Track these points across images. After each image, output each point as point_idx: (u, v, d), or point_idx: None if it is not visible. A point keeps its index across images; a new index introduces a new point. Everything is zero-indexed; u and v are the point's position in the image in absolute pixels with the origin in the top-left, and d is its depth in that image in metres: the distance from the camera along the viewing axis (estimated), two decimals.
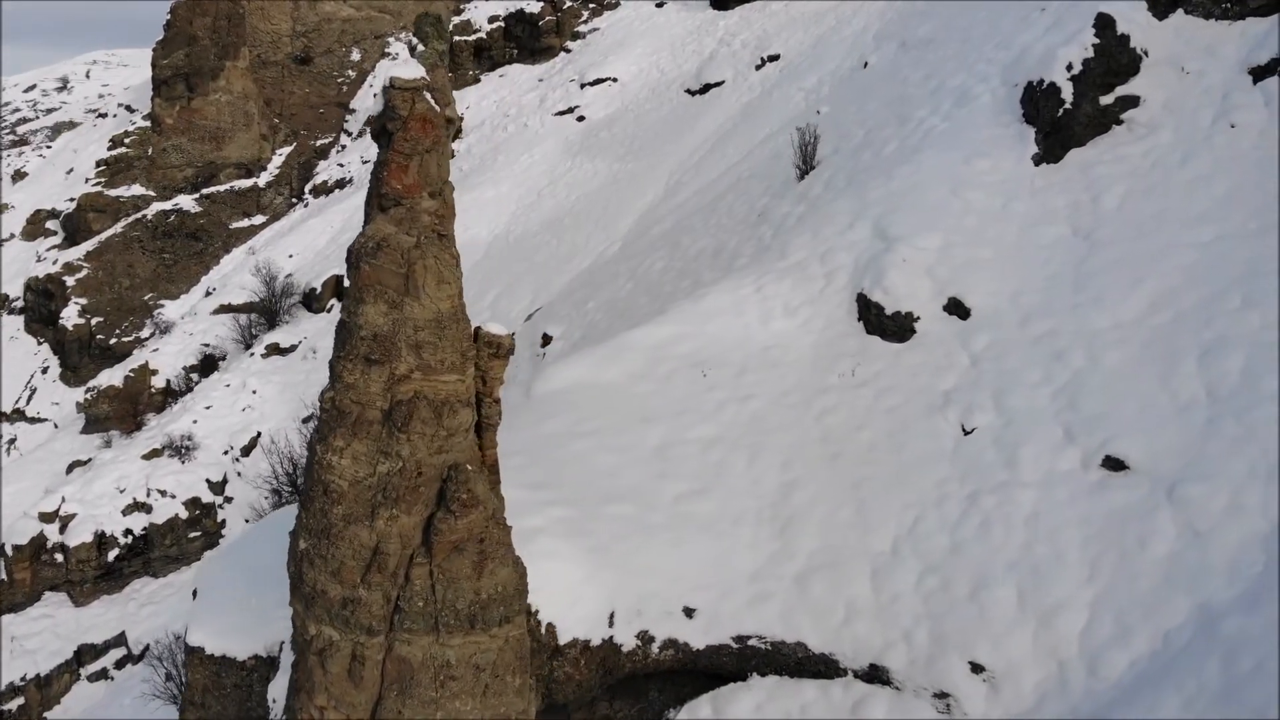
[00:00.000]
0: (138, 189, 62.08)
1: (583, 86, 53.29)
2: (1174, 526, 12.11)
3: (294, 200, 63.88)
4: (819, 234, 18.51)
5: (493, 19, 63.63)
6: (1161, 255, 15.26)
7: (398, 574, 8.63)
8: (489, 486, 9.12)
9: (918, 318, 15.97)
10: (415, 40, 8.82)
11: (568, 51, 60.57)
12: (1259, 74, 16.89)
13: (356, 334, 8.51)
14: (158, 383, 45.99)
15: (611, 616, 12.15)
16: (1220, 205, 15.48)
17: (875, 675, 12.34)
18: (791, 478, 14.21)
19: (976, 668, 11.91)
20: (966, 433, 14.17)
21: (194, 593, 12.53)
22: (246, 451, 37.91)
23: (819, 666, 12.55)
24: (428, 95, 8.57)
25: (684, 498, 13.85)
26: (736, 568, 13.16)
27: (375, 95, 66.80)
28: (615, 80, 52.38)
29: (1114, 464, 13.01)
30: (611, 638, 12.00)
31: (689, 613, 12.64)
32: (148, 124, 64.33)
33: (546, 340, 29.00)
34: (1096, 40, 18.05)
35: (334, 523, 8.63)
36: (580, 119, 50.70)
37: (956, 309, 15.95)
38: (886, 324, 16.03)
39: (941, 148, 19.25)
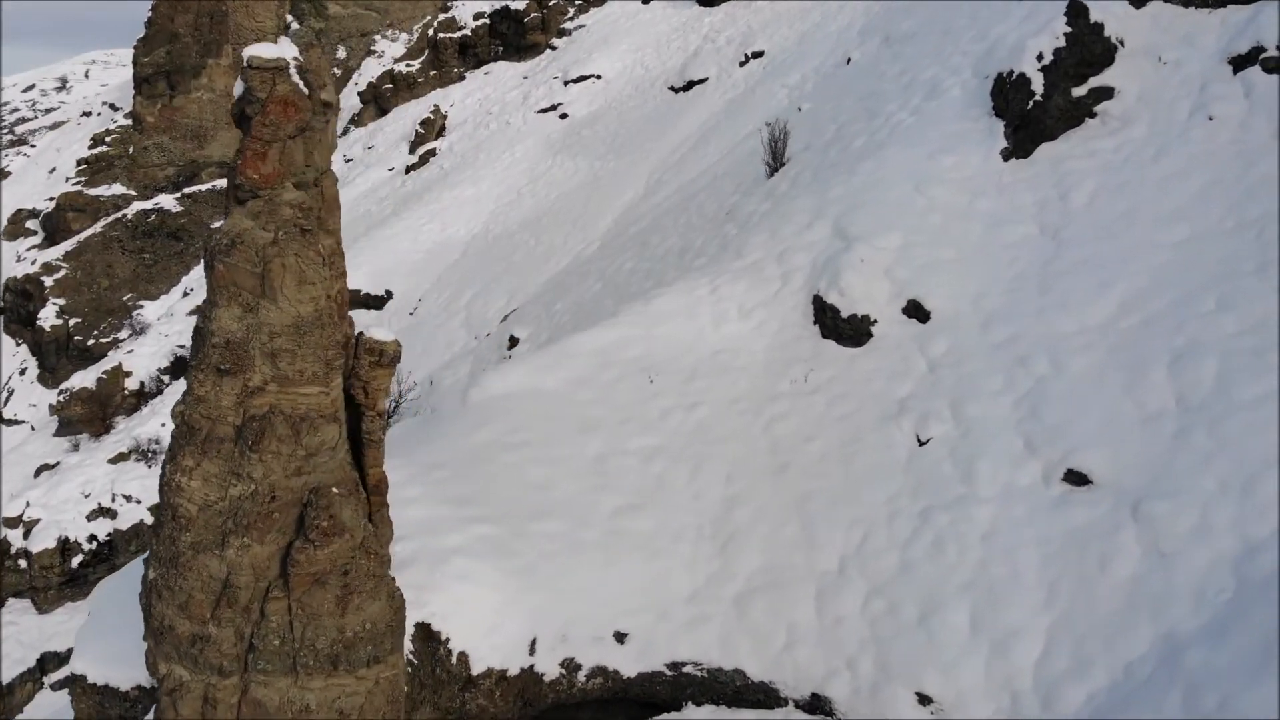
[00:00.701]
0: (119, 188, 61.27)
1: (566, 84, 52.45)
2: (1138, 547, 11.25)
3: None
4: (778, 233, 17.66)
5: (478, 16, 62.78)
6: (1131, 255, 14.40)
7: (251, 609, 7.77)
8: (362, 511, 8.27)
9: (874, 321, 15.11)
10: (291, 18, 7.95)
11: (553, 49, 59.73)
12: (1239, 63, 16.01)
13: (208, 340, 7.67)
14: (131, 385, 45.18)
15: (533, 643, 11.31)
16: (1195, 202, 14.62)
17: (817, 705, 11.49)
18: (735, 491, 13.35)
19: (924, 699, 11.06)
20: (921, 443, 13.32)
21: (89, 614, 11.73)
22: None
23: (758, 695, 11.70)
24: (294, 75, 7.75)
25: (621, 513, 13.00)
26: (673, 589, 12.32)
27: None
28: (599, 77, 51.56)
29: (1076, 478, 12.16)
30: (532, 666, 11.16)
31: (620, 638, 11.80)
32: (129, 122, 63.52)
33: (513, 343, 28.19)
34: (1068, 29, 17.18)
35: (182, 551, 7.78)
36: (563, 116, 49.87)
37: (916, 312, 15.09)
38: (842, 327, 15.17)
39: (906, 143, 18.39)
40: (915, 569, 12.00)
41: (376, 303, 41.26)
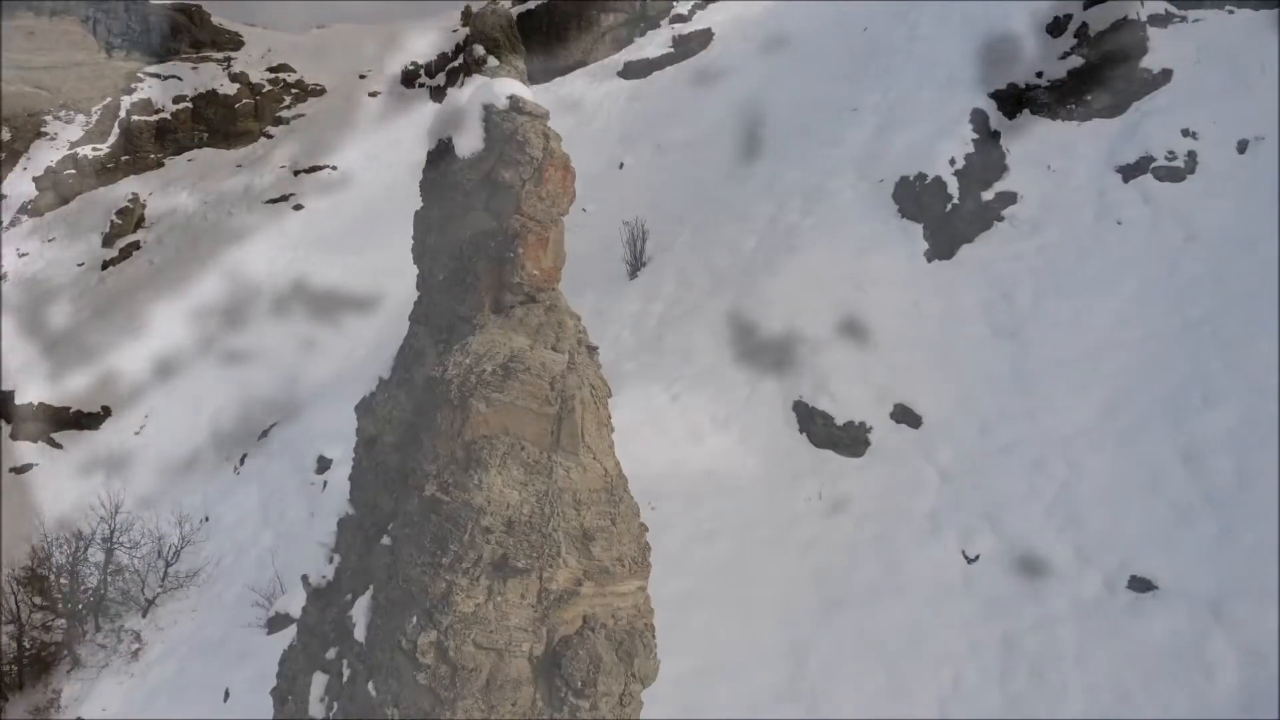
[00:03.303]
0: None
1: (296, 174, 48.47)
2: (1231, 650, 11.04)
3: None
4: (719, 334, 16.51)
5: (178, 99, 56.84)
6: (1097, 356, 14.72)
7: None
8: None
9: (870, 428, 14.32)
10: None
11: (269, 136, 55.29)
12: (1129, 172, 17.27)
13: (475, 522, 4.95)
14: None
15: None
16: (1135, 304, 15.23)
17: None
18: (799, 637, 11.77)
19: None
20: (970, 560, 12.54)
21: None
22: None
23: None
24: None
25: (685, 682, 10.96)
26: None
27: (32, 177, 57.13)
28: (334, 169, 48.14)
29: (1141, 584, 11.87)
30: None
31: None
32: None
33: (324, 465, 24.51)
34: (975, 135, 17.81)
35: None
36: (297, 208, 45.83)
37: (906, 417, 14.50)
38: (838, 436, 14.23)
39: (823, 245, 18.04)
40: (1021, 706, 11.04)
41: None
